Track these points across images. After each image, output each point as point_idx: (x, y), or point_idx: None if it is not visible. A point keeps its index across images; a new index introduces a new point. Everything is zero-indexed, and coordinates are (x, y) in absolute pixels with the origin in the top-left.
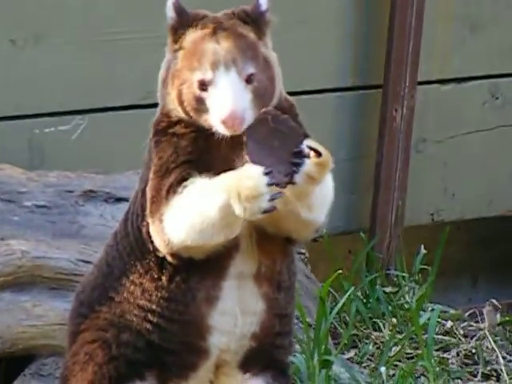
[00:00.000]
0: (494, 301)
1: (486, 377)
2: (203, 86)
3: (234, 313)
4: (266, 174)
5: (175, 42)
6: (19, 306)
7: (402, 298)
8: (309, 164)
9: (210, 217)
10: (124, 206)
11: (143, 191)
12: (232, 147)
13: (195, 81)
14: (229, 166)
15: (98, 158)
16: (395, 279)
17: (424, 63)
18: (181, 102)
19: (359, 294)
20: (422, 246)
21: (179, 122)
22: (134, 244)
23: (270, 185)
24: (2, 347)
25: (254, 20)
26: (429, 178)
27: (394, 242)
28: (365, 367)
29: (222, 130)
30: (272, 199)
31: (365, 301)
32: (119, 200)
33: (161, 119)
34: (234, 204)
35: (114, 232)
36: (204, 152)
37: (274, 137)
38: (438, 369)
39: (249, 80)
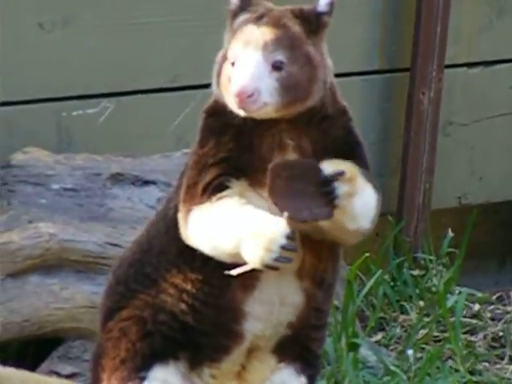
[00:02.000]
0: None
1: None
2: (233, 62)
3: (272, 302)
4: (288, 237)
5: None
6: (47, 289)
7: (429, 281)
8: (342, 185)
9: (224, 247)
10: (151, 190)
11: (183, 175)
12: (272, 147)
13: (228, 57)
14: (267, 166)
15: (126, 140)
16: (422, 262)
17: (451, 46)
18: (224, 86)
19: (386, 277)
20: (450, 230)
21: (224, 112)
22: (170, 224)
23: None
24: (29, 330)
25: (307, 18)
26: (456, 161)
27: (422, 225)
28: (392, 350)
29: (236, 107)
30: (277, 260)
31: (392, 284)
32: (146, 183)
33: (211, 104)
34: (246, 245)
35: (158, 211)
36: (244, 150)
37: (295, 182)
38: (465, 352)
39: (275, 66)
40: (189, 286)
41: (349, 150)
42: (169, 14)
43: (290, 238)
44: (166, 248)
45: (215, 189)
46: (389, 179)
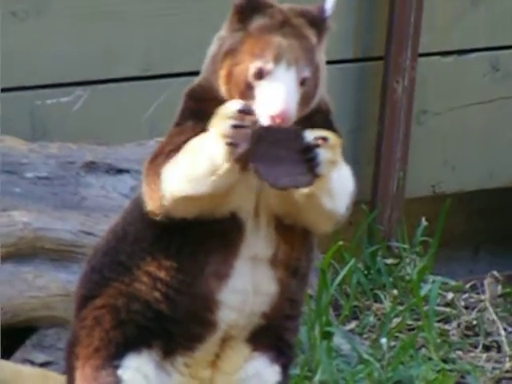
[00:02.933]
0: (494, 272)
1: (487, 348)
2: (259, 74)
3: (246, 291)
4: (244, 110)
5: (239, 21)
6: (20, 277)
7: (402, 270)
8: (324, 152)
9: (200, 164)
10: (125, 178)
11: None
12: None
13: (253, 67)
14: None
15: (100, 129)
16: (396, 251)
17: (425, 35)
18: (228, 82)
19: (360, 265)
20: (423, 218)
21: (211, 99)
22: (145, 211)
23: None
24: (3, 318)
25: (318, 24)
26: (430, 149)
27: (395, 214)
28: (366, 338)
29: (263, 121)
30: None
31: (366, 272)
32: (120, 171)
33: (195, 91)
34: (211, 138)
35: (133, 198)
36: None
37: (277, 148)
38: (438, 340)
39: (302, 83)
40: (162, 274)
41: None
42: (142, 3)
43: (242, 107)
44: (140, 235)
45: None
46: (363, 168)
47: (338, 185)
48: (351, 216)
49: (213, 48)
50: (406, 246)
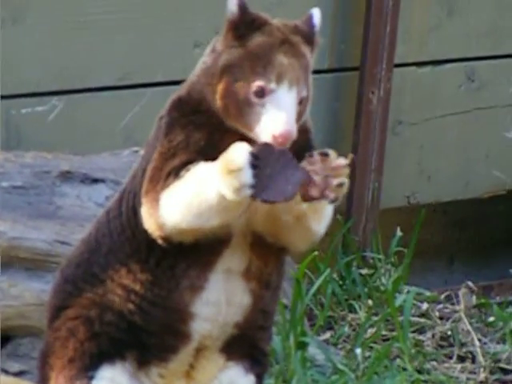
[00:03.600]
0: (469, 283)
1: (462, 359)
2: (261, 93)
3: (219, 303)
4: (253, 155)
5: (235, 38)
6: None
7: (377, 280)
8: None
9: (208, 200)
10: (100, 188)
11: (144, 170)
12: None
13: (255, 85)
14: None
15: (75, 138)
16: (371, 261)
17: (401, 46)
18: (225, 97)
19: (335, 275)
20: (398, 229)
21: (201, 111)
22: (125, 223)
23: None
24: None
25: (311, 41)
26: (405, 160)
27: (370, 225)
28: (340, 349)
29: (265, 140)
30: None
31: (341, 283)
32: (95, 181)
33: (182, 101)
34: (220, 182)
35: (106, 209)
36: (215, 150)
37: (270, 168)
38: (413, 351)
39: (300, 102)
40: (137, 287)
41: None
42: (118, 12)
43: (253, 154)
44: (117, 248)
45: (181, 168)
46: None
47: (326, 207)
48: (326, 226)
49: (206, 60)
50: (380, 256)
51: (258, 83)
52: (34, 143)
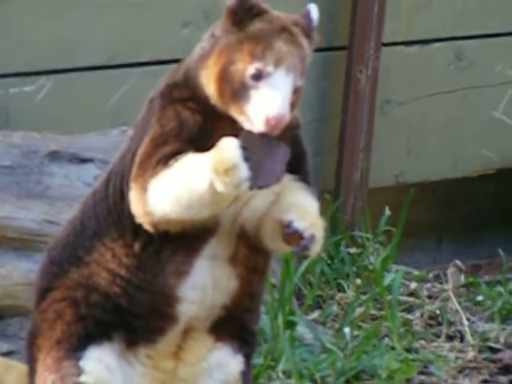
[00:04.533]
0: (458, 262)
1: (450, 338)
2: (258, 75)
3: (205, 287)
4: (243, 148)
5: (234, 24)
6: None
7: (366, 259)
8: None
9: (199, 193)
10: (88, 167)
11: (134, 154)
12: (236, 137)
13: (252, 67)
14: None
15: (63, 118)
16: (359, 240)
17: (389, 25)
18: (220, 79)
19: (323, 255)
20: (387, 208)
21: (196, 97)
22: (112, 206)
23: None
24: None
25: (310, 35)
26: (393, 139)
27: (359, 204)
28: (329, 328)
29: (257, 123)
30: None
31: (329, 262)
32: (84, 161)
33: (177, 86)
34: (214, 180)
35: (93, 191)
36: (207, 137)
37: (258, 154)
38: (401, 330)
39: (295, 91)
40: (123, 272)
41: (297, 160)
42: None
43: (242, 146)
44: (102, 231)
45: (171, 156)
46: (326, 157)
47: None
48: None
49: (204, 46)
50: (369, 235)
51: (255, 65)
52: (22, 123)
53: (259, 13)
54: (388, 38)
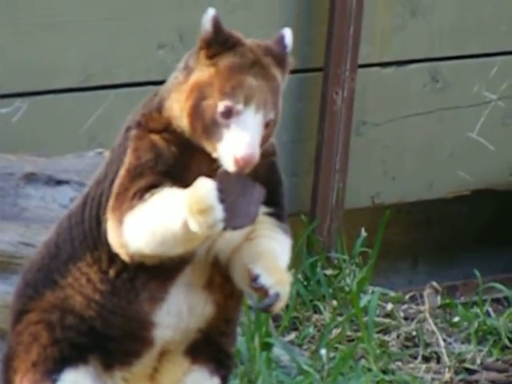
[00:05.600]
0: (434, 283)
1: (427, 359)
2: (228, 113)
3: (180, 313)
4: (219, 190)
5: (207, 57)
6: None
7: (342, 281)
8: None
9: (173, 230)
10: (64, 189)
11: (111, 182)
12: (212, 170)
13: (222, 105)
14: None
15: (39, 140)
16: (336, 262)
17: (365, 46)
18: (192, 114)
19: (300, 276)
20: (363, 229)
21: (171, 128)
22: (87, 232)
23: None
24: None
25: (283, 63)
26: (369, 160)
27: (335, 225)
28: (305, 350)
29: (226, 162)
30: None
31: (305, 283)
32: (60, 183)
33: (152, 116)
34: (189, 219)
35: (69, 214)
36: (184, 169)
37: (233, 195)
38: (378, 351)
39: (266, 125)
40: (97, 297)
41: (272, 189)
42: (81, 14)
43: (218, 188)
44: (77, 256)
45: (147, 190)
46: (302, 179)
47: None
48: (291, 227)
49: (178, 76)
50: (345, 257)
51: (225, 103)
52: None
53: (233, 45)
54: (364, 59)
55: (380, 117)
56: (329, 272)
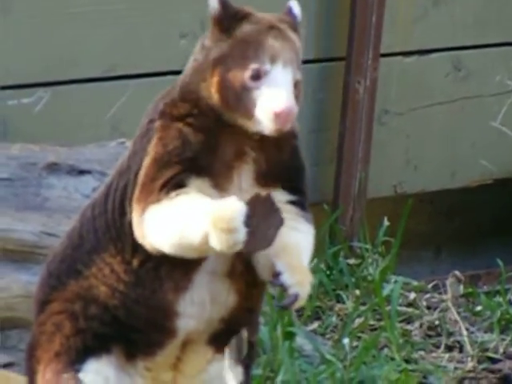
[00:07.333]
0: (456, 272)
1: (449, 348)
2: (257, 76)
3: (203, 302)
4: (247, 214)
5: (222, 31)
6: None
7: (365, 270)
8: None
9: (192, 239)
10: (87, 179)
11: (136, 174)
12: (238, 155)
13: (250, 69)
14: (229, 173)
15: (61, 130)
16: (358, 251)
17: (387, 35)
18: (222, 88)
19: (322, 265)
20: (385, 218)
21: (196, 112)
22: (111, 222)
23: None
24: None
25: (297, 31)
26: (391, 150)
27: (357, 214)
28: (328, 339)
29: (267, 123)
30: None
31: (328, 273)
32: (82, 172)
33: (176, 104)
34: (210, 234)
35: (92, 204)
36: (211, 153)
37: (260, 214)
38: (401, 340)
39: (295, 85)
40: (121, 287)
41: (295, 175)
42: (104, 3)
43: (248, 214)
44: (101, 246)
45: (174, 185)
46: (324, 168)
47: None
48: (313, 216)
49: (197, 58)
50: (368, 246)
51: (252, 66)
52: (20, 135)
53: (244, 16)
54: (386, 48)
55: (402, 106)
56: (351, 261)
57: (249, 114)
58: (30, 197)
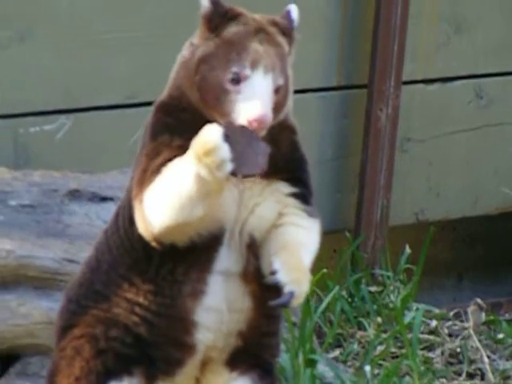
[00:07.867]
0: (478, 300)
1: (471, 376)
2: (237, 80)
3: (220, 309)
4: (224, 133)
5: (210, 30)
6: (4, 305)
7: (386, 298)
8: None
9: (187, 189)
10: (109, 206)
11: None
12: None
13: (230, 72)
14: None
15: (83, 157)
16: (380, 278)
17: (409, 63)
18: (201, 87)
19: (344, 293)
20: (407, 246)
21: (183, 107)
22: (123, 236)
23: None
24: None
25: (288, 34)
26: (413, 177)
27: (379, 242)
28: (349, 366)
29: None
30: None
31: (350, 300)
32: (104, 199)
33: (167, 101)
34: (198, 167)
35: (105, 229)
36: None
37: (240, 141)
38: (422, 368)
39: (276, 91)
40: (141, 299)
41: (296, 166)
42: (126, 30)
43: (226, 134)
44: (117, 262)
45: (164, 165)
46: (346, 195)
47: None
48: (335, 244)
49: (184, 54)
50: (389, 273)
51: (232, 69)
52: (42, 162)
53: (234, 16)
54: (408, 76)
55: (424, 133)
56: (373, 289)
57: (226, 115)
58: (51, 223)
